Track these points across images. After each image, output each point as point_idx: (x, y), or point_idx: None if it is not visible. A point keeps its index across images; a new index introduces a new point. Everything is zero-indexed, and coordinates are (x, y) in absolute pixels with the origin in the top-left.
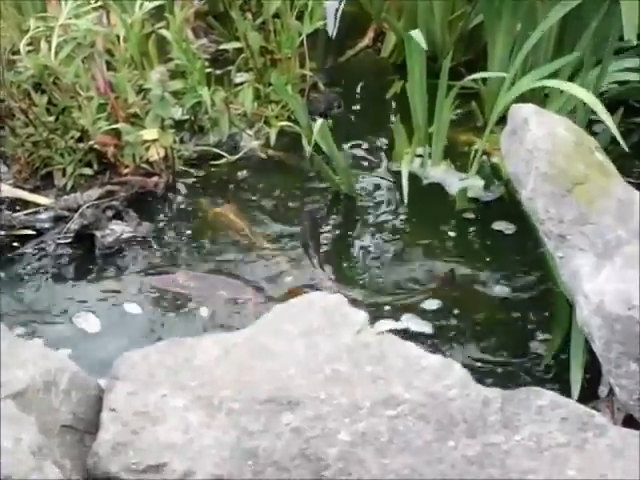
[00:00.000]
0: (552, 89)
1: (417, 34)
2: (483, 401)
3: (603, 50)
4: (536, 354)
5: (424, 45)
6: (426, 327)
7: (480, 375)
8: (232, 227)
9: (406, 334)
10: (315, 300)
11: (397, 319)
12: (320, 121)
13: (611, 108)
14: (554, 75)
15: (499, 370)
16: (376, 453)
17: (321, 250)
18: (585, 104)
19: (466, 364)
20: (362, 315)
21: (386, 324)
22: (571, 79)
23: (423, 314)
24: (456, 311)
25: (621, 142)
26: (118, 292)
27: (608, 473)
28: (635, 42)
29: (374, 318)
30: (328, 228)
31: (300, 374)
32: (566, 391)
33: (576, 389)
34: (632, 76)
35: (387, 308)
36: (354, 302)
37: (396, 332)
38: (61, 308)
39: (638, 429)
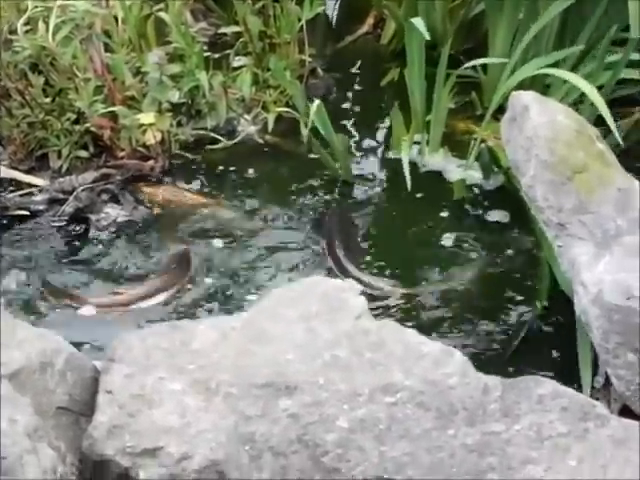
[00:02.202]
0: (553, 80)
1: (418, 22)
2: (483, 389)
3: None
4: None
5: (425, 33)
6: None
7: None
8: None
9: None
10: (314, 284)
11: None
12: (317, 102)
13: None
14: (555, 65)
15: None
16: (375, 440)
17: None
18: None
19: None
20: (361, 300)
21: None
22: (572, 71)
23: None
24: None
25: (616, 135)
26: None
27: (609, 463)
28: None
29: None
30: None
31: (299, 359)
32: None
33: (587, 383)
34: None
35: None
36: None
37: None
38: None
39: (634, 419)
